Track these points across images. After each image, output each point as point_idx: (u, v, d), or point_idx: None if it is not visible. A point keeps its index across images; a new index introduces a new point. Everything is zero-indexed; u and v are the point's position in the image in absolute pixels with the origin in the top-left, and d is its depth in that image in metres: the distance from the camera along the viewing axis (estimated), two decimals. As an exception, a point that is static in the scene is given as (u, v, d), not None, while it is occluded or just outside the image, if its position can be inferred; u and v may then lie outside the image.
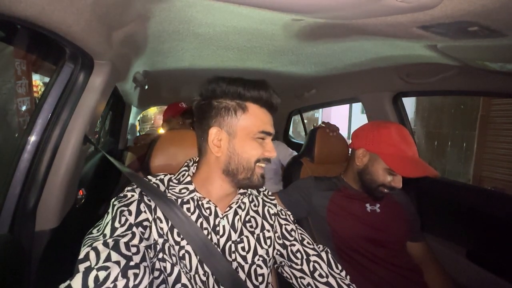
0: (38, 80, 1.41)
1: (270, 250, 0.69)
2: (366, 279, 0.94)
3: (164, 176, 0.65)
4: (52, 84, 0.81)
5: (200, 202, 0.63)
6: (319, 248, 0.72)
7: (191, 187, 0.63)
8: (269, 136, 0.64)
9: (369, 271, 0.95)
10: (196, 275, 0.57)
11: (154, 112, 5.10)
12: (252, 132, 0.61)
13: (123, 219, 0.52)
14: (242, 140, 0.61)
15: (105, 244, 0.47)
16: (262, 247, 0.67)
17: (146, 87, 1.72)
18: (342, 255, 1.00)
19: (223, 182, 0.63)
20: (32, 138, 0.79)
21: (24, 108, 1.03)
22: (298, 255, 0.70)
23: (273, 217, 0.72)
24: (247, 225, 0.67)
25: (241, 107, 0.61)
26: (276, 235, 0.71)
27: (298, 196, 1.09)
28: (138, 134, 3.25)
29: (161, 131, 2.14)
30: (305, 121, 3.10)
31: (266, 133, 0.63)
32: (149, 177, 0.64)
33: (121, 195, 0.58)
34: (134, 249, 0.49)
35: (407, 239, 1.04)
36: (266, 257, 0.67)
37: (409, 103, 4.80)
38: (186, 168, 0.68)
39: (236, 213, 0.66)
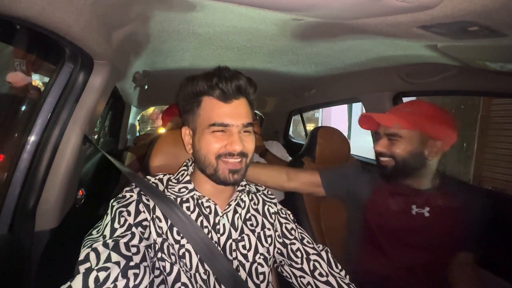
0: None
1: (271, 248, 0.69)
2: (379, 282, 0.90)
3: (163, 176, 0.66)
4: (51, 84, 0.81)
5: (200, 201, 0.63)
6: (318, 247, 0.72)
7: (190, 186, 0.64)
8: (228, 127, 0.58)
9: (387, 272, 0.90)
10: (197, 274, 0.57)
11: (152, 112, 5.09)
12: (205, 126, 0.59)
13: (122, 219, 0.52)
14: (200, 136, 0.60)
15: (105, 245, 0.47)
16: (263, 246, 0.67)
17: (146, 87, 1.72)
18: (364, 246, 0.96)
19: (206, 178, 0.63)
20: (32, 138, 0.79)
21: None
22: (298, 254, 0.70)
23: (273, 215, 0.72)
24: (248, 223, 0.67)
25: (197, 102, 0.61)
26: (277, 233, 0.71)
27: (342, 181, 1.04)
28: (138, 134, 3.25)
29: (162, 131, 2.13)
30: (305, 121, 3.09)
31: (220, 125, 0.58)
32: (148, 177, 0.65)
33: (120, 195, 0.58)
34: (134, 249, 0.49)
35: (453, 250, 0.90)
36: (267, 255, 0.67)
37: (409, 103, 4.79)
38: (185, 168, 0.68)
39: (236, 211, 0.66)
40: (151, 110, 4.60)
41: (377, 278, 0.92)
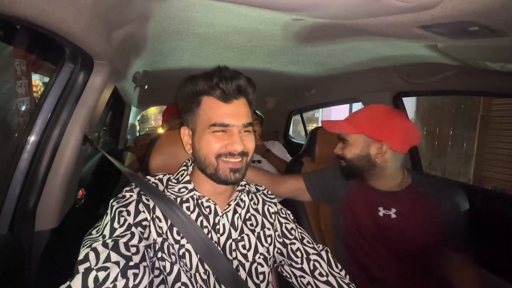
0: (37, 80, 1.41)
1: (271, 248, 0.69)
2: (369, 280, 0.91)
3: (163, 176, 0.66)
4: (51, 84, 0.81)
5: (200, 201, 0.63)
6: (318, 247, 0.72)
7: (190, 186, 0.64)
8: (229, 127, 0.58)
9: (372, 274, 0.92)
10: (197, 274, 0.57)
11: (154, 112, 5.09)
12: (205, 126, 0.59)
13: (122, 219, 0.52)
14: (200, 136, 0.60)
15: (105, 244, 0.47)
16: (262, 245, 0.67)
17: (146, 87, 1.72)
18: (349, 248, 0.97)
19: (206, 178, 0.62)
20: (32, 138, 0.79)
21: (24, 108, 1.03)
22: (298, 253, 0.70)
23: (273, 215, 0.72)
24: (248, 223, 0.67)
25: (196, 102, 0.61)
26: (277, 233, 0.71)
27: (324, 183, 1.06)
28: (138, 134, 3.25)
29: (161, 131, 2.13)
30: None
31: (220, 125, 0.57)
32: (148, 177, 0.65)
33: (120, 195, 0.58)
34: (133, 249, 0.49)
35: (432, 250, 0.89)
36: (266, 255, 0.67)
37: (409, 103, 4.80)
38: (185, 168, 0.68)
39: (235, 211, 0.66)
40: (151, 110, 4.60)
41: (364, 279, 0.93)
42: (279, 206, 0.76)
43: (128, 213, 0.54)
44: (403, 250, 0.88)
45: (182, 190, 0.63)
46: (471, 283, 0.86)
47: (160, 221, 0.57)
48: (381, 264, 0.91)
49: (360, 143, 0.92)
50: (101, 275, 0.43)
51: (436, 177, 1.12)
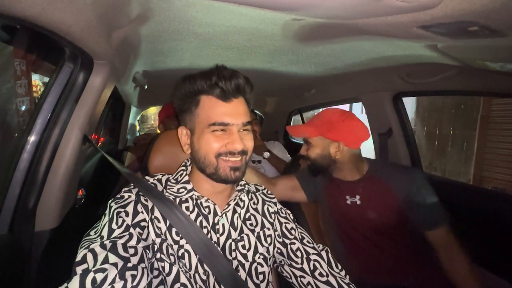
0: (37, 80, 1.41)
1: (271, 248, 0.69)
2: (362, 261, 0.98)
3: (162, 176, 0.66)
4: (51, 84, 0.80)
5: (199, 201, 0.63)
6: (318, 247, 0.72)
7: (189, 186, 0.63)
8: (228, 126, 0.58)
9: (361, 254, 0.99)
10: (196, 274, 0.57)
11: (154, 112, 5.09)
12: (204, 126, 0.59)
13: (120, 220, 0.52)
14: (199, 135, 0.60)
15: (103, 246, 0.47)
16: (262, 245, 0.67)
17: (146, 87, 1.72)
18: (344, 243, 1.04)
19: (205, 178, 0.62)
20: (32, 138, 0.79)
21: (23, 108, 1.03)
22: (298, 253, 0.69)
23: (273, 215, 0.72)
24: (247, 223, 0.67)
25: (195, 102, 0.60)
26: (276, 233, 0.71)
27: (313, 178, 1.14)
28: (137, 134, 3.25)
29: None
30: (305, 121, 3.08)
31: (220, 124, 0.57)
32: (147, 177, 0.64)
33: (118, 196, 0.58)
34: (132, 250, 0.49)
35: (404, 228, 0.96)
36: (266, 255, 0.67)
37: (409, 103, 4.80)
38: (184, 168, 0.68)
39: (235, 211, 0.66)
40: (151, 110, 4.60)
41: (364, 274, 0.96)
42: (279, 206, 0.76)
43: (127, 214, 0.54)
44: (383, 233, 0.96)
45: (181, 190, 0.63)
46: (454, 259, 0.92)
47: (159, 221, 0.57)
48: (375, 252, 0.97)
49: (320, 144, 1.03)
50: (99, 276, 0.43)
51: (391, 163, 1.33)
